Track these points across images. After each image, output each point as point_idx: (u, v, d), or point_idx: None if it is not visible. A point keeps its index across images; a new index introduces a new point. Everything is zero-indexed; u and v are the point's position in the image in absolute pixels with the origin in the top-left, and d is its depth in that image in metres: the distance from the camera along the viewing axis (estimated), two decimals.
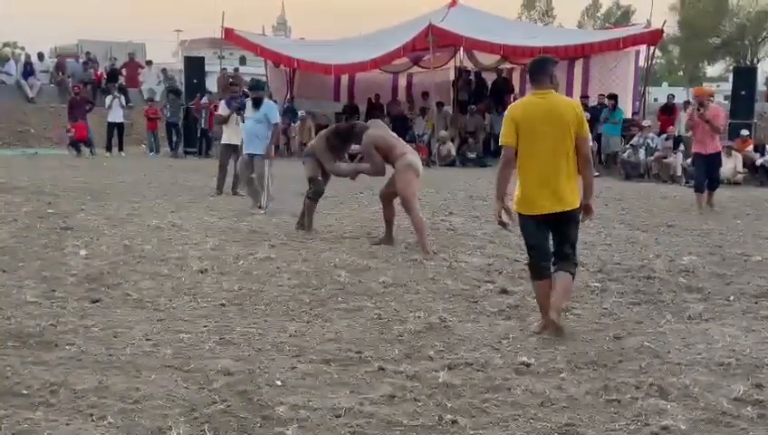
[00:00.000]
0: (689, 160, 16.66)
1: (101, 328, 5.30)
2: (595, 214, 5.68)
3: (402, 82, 25.86)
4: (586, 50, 20.78)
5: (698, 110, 12.56)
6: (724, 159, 16.80)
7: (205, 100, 21.73)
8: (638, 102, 22.12)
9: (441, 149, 20.83)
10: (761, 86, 28.36)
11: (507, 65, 24.05)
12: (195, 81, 21.86)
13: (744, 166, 17.06)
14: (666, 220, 11.15)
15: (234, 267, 7.27)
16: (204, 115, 21.36)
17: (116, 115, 21.73)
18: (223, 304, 6.01)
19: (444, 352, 5.01)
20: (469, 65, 24.51)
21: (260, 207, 11.20)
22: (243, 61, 46.16)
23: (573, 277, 5.51)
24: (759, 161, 17.03)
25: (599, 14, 79.81)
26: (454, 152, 20.91)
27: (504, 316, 5.90)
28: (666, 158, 17.48)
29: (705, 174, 12.64)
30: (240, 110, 13.05)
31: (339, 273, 7.12)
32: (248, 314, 5.77)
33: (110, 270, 6.98)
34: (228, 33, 22.96)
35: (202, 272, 7.04)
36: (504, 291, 6.61)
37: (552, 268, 5.41)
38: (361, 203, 12.38)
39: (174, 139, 21.88)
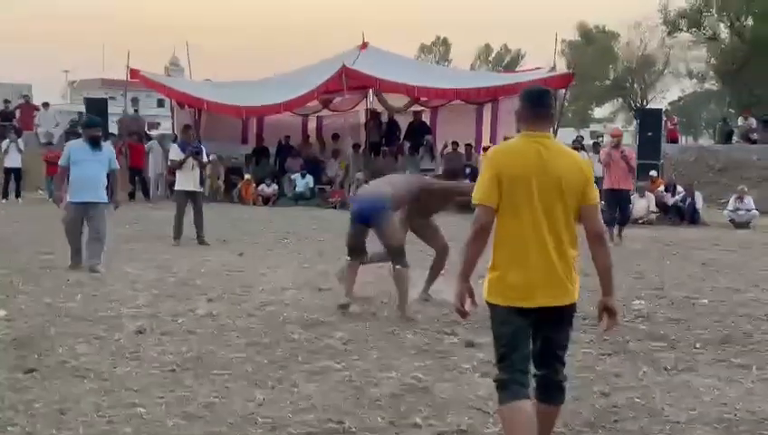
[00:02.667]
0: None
1: (45, 403, 4.69)
2: (620, 320, 4.09)
3: (312, 124, 25.49)
4: (500, 92, 20.95)
5: (616, 148, 13.66)
6: (637, 199, 17.23)
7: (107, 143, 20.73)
8: None
9: (357, 192, 20.52)
10: None
11: (417, 108, 24.03)
12: (81, 121, 20.85)
13: (656, 206, 17.42)
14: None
15: (174, 326, 6.70)
16: None
17: (13, 160, 20.54)
18: (173, 370, 5.46)
19: (430, 418, 4.64)
20: (379, 108, 24.38)
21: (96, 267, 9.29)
22: (135, 102, 44.80)
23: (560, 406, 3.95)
24: (671, 201, 17.40)
25: (490, 58, 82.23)
26: None
27: (480, 373, 5.56)
28: None
29: (616, 210, 13.53)
30: (197, 154, 12.47)
31: (291, 329, 6.67)
32: (205, 381, 5.24)
33: (37, 333, 6.31)
34: (134, 73, 22.12)
35: (141, 332, 6.45)
36: (470, 344, 6.29)
37: (536, 391, 3.85)
38: (291, 250, 11.90)
39: None
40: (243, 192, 20.91)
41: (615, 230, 13.31)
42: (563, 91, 21.13)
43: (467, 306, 3.83)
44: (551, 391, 3.86)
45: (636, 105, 54.94)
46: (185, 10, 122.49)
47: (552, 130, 3.95)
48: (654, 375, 5.62)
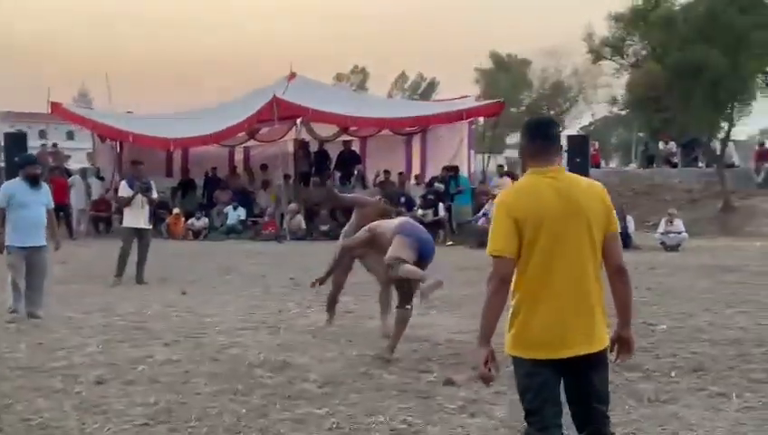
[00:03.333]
0: None
1: None
2: (634, 351, 3.72)
3: (239, 155, 25.14)
4: (432, 120, 21.06)
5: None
6: None
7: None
8: (472, 172, 22.71)
9: (291, 223, 20.24)
10: None
11: (346, 137, 23.95)
12: (16, 158, 19.99)
13: None
14: None
15: (136, 375, 6.34)
16: None
17: None
18: (146, 424, 5.14)
19: None
20: (307, 137, 24.20)
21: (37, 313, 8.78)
22: (71, 135, 43.67)
23: None
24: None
25: (406, 86, 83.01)
26: (304, 225, 20.37)
27: (467, 413, 5.41)
28: None
29: None
30: (147, 190, 12.00)
31: (260, 373, 6.40)
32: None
33: None
34: (56, 107, 21.42)
35: (101, 383, 6.08)
36: (449, 382, 6.13)
37: None
38: (235, 287, 11.55)
39: None
40: (171, 227, 20.36)
41: None
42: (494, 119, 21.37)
43: (493, 371, 3.48)
44: None
45: None
46: (94, 40, 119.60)
47: (558, 162, 3.62)
48: (639, 407, 5.57)
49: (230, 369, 6.54)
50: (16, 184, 9.17)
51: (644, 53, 22.37)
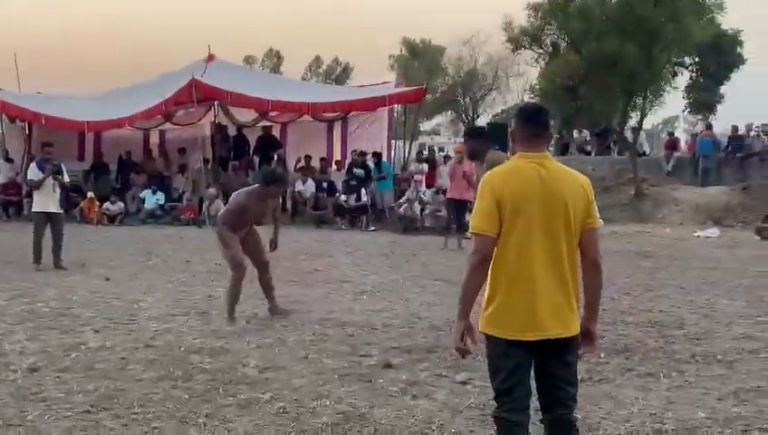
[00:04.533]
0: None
1: None
2: (597, 346, 3.91)
3: (154, 138, 24.62)
4: (354, 106, 21.05)
5: (459, 163, 14.64)
6: None
7: None
8: (393, 158, 22.82)
9: (211, 208, 19.96)
10: None
11: (265, 123, 23.72)
12: None
13: None
14: None
15: (71, 362, 6.21)
16: None
17: None
18: (88, 411, 5.05)
19: None
20: (225, 121, 23.87)
21: None
22: None
23: None
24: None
25: (320, 70, 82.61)
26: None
27: (410, 395, 5.49)
28: (439, 211, 18.01)
29: (455, 217, 14.82)
30: (58, 173, 11.60)
31: (197, 359, 6.34)
32: (128, 422, 4.87)
33: None
34: None
35: (35, 371, 5.94)
36: (388, 365, 6.22)
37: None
38: (160, 272, 11.37)
39: None
40: (86, 211, 19.84)
41: (456, 240, 14.52)
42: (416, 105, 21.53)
43: (469, 343, 3.57)
44: (564, 433, 3.62)
45: (467, 118, 56.92)
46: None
47: (547, 149, 3.72)
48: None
49: (166, 355, 6.47)
50: None
51: (562, 43, 22.85)
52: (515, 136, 3.66)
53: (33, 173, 11.89)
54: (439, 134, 76.38)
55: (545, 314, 3.47)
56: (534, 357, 3.54)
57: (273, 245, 8.45)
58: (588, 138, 25.48)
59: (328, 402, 5.27)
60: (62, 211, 12.04)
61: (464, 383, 5.73)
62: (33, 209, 12.05)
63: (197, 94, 19.89)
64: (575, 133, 26.16)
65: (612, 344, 7.04)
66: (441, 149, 32.64)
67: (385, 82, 24.70)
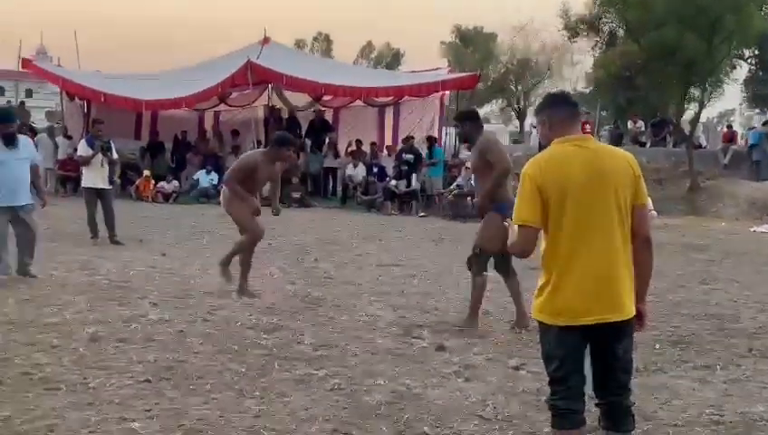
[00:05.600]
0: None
1: (25, 420, 4.33)
2: (646, 324, 3.72)
3: (209, 119, 24.90)
4: (406, 91, 21.02)
5: None
6: None
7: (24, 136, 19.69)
8: (444, 144, 22.74)
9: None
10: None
11: (318, 108, 23.84)
12: None
13: None
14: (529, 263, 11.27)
15: (130, 333, 6.35)
16: None
17: None
18: (148, 380, 5.17)
19: (437, 428, 4.55)
20: (278, 104, 24.03)
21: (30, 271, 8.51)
22: (29, 93, 42.81)
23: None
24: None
25: (372, 56, 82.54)
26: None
27: (463, 378, 5.52)
28: None
29: None
30: (107, 150, 11.83)
31: (254, 335, 6.44)
32: (186, 392, 4.98)
33: None
34: (26, 63, 21.02)
35: (96, 340, 6.08)
36: (441, 348, 6.25)
37: (602, 420, 3.63)
38: (213, 251, 11.51)
39: None
40: (141, 189, 20.16)
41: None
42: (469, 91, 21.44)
43: None
44: (619, 418, 3.59)
45: (518, 107, 56.47)
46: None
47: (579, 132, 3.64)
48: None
49: (223, 330, 6.58)
50: None
51: (619, 32, 22.51)
52: (550, 123, 3.61)
53: (83, 149, 12.12)
54: (489, 122, 76.08)
55: (597, 297, 3.42)
56: (589, 343, 3.51)
57: (276, 210, 8.65)
58: (643, 128, 25.10)
59: (382, 381, 5.32)
60: (110, 187, 12.22)
61: (517, 368, 5.74)
62: (82, 185, 12.29)
63: (253, 77, 20.02)
64: (629, 124, 25.81)
65: (667, 336, 6.99)
66: None
67: (437, 68, 24.64)
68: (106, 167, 12.09)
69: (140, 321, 6.74)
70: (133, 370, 5.37)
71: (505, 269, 7.07)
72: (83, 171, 12.33)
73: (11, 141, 8.46)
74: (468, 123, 7.11)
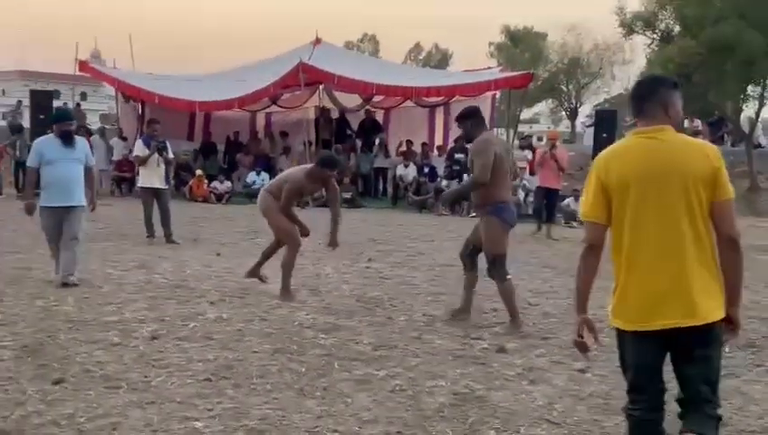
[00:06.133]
0: (567, 201, 17.13)
1: (88, 418, 4.33)
2: (740, 332, 3.42)
3: (261, 120, 25.03)
4: (457, 91, 20.85)
5: (551, 150, 14.35)
6: None
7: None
8: None
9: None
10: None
11: (368, 108, 23.80)
12: (42, 117, 19.87)
13: None
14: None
15: (189, 332, 6.34)
16: None
17: None
18: (209, 379, 5.14)
19: (505, 431, 4.44)
20: (329, 105, 24.04)
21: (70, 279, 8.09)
22: (84, 96, 43.62)
23: None
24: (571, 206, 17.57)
25: (420, 57, 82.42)
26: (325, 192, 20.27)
27: (527, 380, 5.39)
28: None
29: (546, 206, 14.58)
30: (163, 150, 11.94)
31: (312, 335, 6.39)
32: (248, 391, 4.93)
33: (46, 340, 5.88)
34: (83, 65, 21.36)
35: (156, 338, 6.09)
36: (501, 350, 6.12)
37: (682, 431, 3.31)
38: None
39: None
40: (194, 188, 20.32)
41: (544, 228, 14.43)
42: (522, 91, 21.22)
43: (588, 338, 3.38)
44: (700, 423, 3.27)
45: (569, 106, 55.87)
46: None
47: (670, 122, 3.34)
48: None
49: (281, 329, 6.54)
50: (48, 141, 8.50)
51: (675, 28, 22.07)
52: (632, 110, 3.42)
53: (139, 149, 12.20)
54: (538, 122, 75.41)
55: (664, 300, 3.20)
56: (668, 350, 3.30)
57: (333, 242, 8.21)
58: (699, 127, 24.59)
59: (443, 383, 5.22)
60: (166, 187, 12.27)
61: (582, 371, 5.59)
62: (139, 185, 12.39)
63: (304, 77, 20.05)
64: (686, 123, 25.31)
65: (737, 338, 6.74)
66: (540, 138, 32.18)
67: (489, 68, 24.43)
68: (162, 167, 12.16)
69: (199, 320, 6.73)
70: (193, 368, 5.35)
71: (470, 262, 7.12)
72: (140, 171, 12.44)
73: (68, 140, 8.37)
74: (469, 121, 7.00)
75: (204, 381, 5.09)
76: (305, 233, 8.12)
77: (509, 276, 6.89)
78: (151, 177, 12.08)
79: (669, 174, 3.22)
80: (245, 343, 6.05)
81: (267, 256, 8.47)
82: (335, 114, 23.61)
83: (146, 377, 5.11)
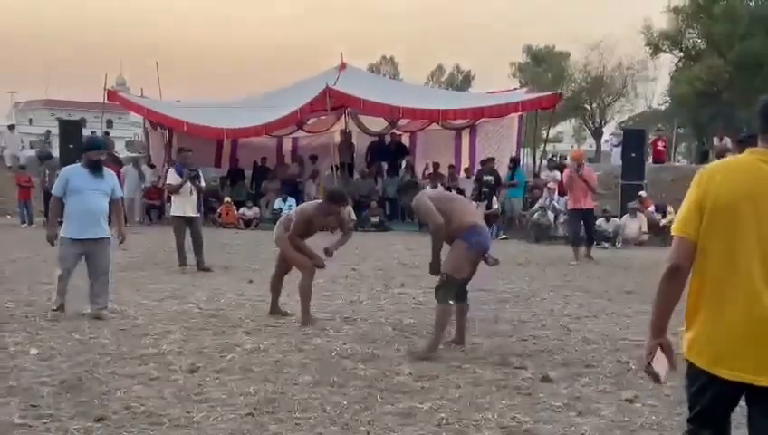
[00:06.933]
0: (599, 221, 16.92)
1: None
2: None
3: (287, 145, 25.10)
4: (485, 113, 20.78)
5: (577, 170, 13.91)
6: (628, 220, 17.23)
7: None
8: (522, 165, 22.40)
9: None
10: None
11: (395, 131, 23.81)
12: (71, 146, 20.05)
13: (647, 226, 17.40)
14: (621, 286, 10.90)
15: (228, 363, 6.28)
16: None
17: None
18: (251, 414, 5.06)
19: None
20: (355, 129, 24.05)
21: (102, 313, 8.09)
22: (110, 124, 44.05)
23: None
24: (662, 222, 17.40)
25: (443, 79, 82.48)
26: (354, 216, 20.25)
27: (575, 411, 5.25)
28: None
29: (583, 228, 14.08)
30: (195, 178, 11.99)
31: (351, 365, 6.30)
32: (292, 426, 4.85)
33: (84, 375, 5.84)
34: (112, 94, 21.58)
35: (194, 371, 6.02)
36: (546, 379, 5.99)
37: None
38: (299, 275, 11.46)
39: None
40: (223, 215, 20.37)
41: (583, 250, 13.98)
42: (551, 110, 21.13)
43: (658, 367, 3.02)
44: None
45: (593, 125, 55.62)
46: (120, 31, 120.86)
47: None
48: None
49: (319, 359, 6.46)
50: (76, 170, 8.24)
51: (701, 46, 21.91)
52: (761, 127, 3.05)
53: (172, 178, 12.23)
54: (562, 141, 75.08)
55: (746, 348, 2.84)
56: (749, 404, 2.97)
57: (329, 251, 8.31)
58: (729, 145, 24.28)
59: (490, 416, 5.10)
60: (199, 215, 12.33)
61: (630, 401, 5.45)
62: (171, 213, 12.42)
63: (331, 102, 20.10)
64: (715, 140, 25.05)
65: None
66: (564, 157, 31.93)
67: (514, 89, 24.35)
68: (195, 195, 12.21)
69: (236, 351, 6.67)
70: (234, 402, 5.27)
71: (461, 295, 7.02)
72: (173, 199, 12.48)
73: (96, 170, 8.17)
74: (408, 194, 7.16)
75: (246, 416, 5.01)
76: (318, 265, 8.19)
77: (451, 302, 6.84)
78: (184, 205, 12.11)
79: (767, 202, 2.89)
80: (285, 375, 5.97)
81: (276, 289, 8.55)
82: (360, 139, 23.62)
83: (188, 412, 5.04)
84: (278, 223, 8.55)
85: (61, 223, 8.34)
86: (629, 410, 5.27)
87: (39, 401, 5.20)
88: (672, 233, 3.07)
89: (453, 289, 6.79)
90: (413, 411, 5.17)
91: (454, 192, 20.36)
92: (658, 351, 3.03)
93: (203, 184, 12.67)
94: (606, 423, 5.02)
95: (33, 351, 6.54)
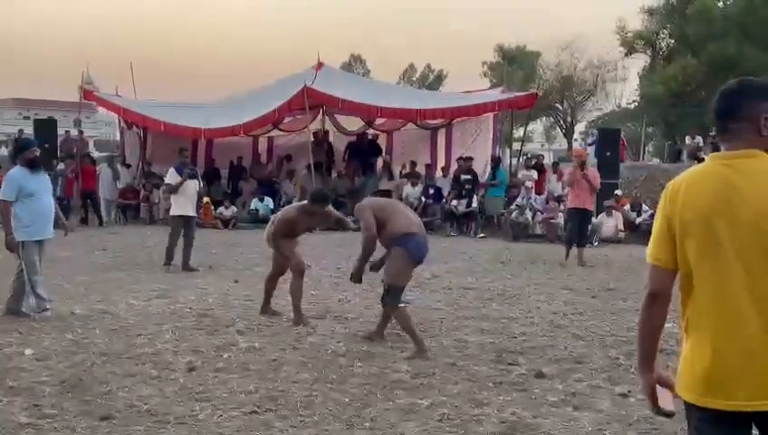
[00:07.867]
0: None
1: None
2: None
3: (263, 144, 25.04)
4: (462, 112, 20.90)
5: (581, 168, 13.41)
6: (605, 218, 17.43)
7: (61, 166, 20.10)
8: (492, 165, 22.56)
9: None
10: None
11: (370, 131, 23.86)
12: (47, 145, 19.84)
13: (623, 225, 17.60)
14: (603, 283, 11.05)
15: (226, 362, 6.33)
16: (60, 183, 19.51)
17: None
18: (255, 412, 5.12)
19: None
20: (332, 129, 24.07)
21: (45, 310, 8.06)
22: (78, 123, 43.55)
23: None
24: (638, 220, 17.64)
25: (414, 78, 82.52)
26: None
27: (571, 406, 5.38)
28: (553, 218, 17.76)
29: (578, 229, 13.58)
30: (194, 177, 11.98)
31: (347, 363, 6.38)
32: (296, 423, 4.92)
33: (84, 375, 5.86)
34: (88, 93, 21.39)
35: (193, 370, 6.07)
36: (540, 375, 6.11)
37: None
38: (285, 277, 11.49)
39: None
40: (202, 215, 20.26)
41: (575, 251, 13.39)
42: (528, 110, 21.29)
43: (664, 402, 2.68)
44: None
45: (565, 124, 56.06)
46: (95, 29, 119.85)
47: (760, 141, 2.59)
48: None
49: (315, 357, 6.53)
50: (21, 172, 8.04)
51: (674, 46, 22.22)
52: (716, 127, 2.71)
53: (172, 178, 12.19)
54: (531, 141, 75.46)
55: (739, 374, 2.51)
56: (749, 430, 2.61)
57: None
58: (701, 144, 24.66)
59: (489, 411, 5.20)
60: (196, 215, 12.35)
61: (624, 396, 5.58)
62: (171, 213, 12.34)
63: (309, 101, 20.11)
64: (687, 139, 25.40)
65: None
66: (540, 156, 32.19)
67: (489, 88, 24.50)
68: (195, 194, 12.23)
69: (232, 350, 6.72)
70: (237, 400, 5.33)
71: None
72: (173, 199, 12.40)
73: (37, 168, 8.06)
74: (351, 199, 7.40)
75: (250, 414, 5.07)
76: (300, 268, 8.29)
77: (402, 305, 7.02)
78: (185, 204, 12.14)
79: (751, 215, 2.51)
80: (283, 373, 6.03)
81: (270, 290, 8.63)
82: (338, 138, 23.65)
83: (192, 411, 5.09)
84: (269, 222, 8.63)
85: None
86: (624, 404, 5.40)
87: (41, 400, 5.23)
88: (648, 259, 2.74)
89: (398, 294, 6.96)
90: (414, 408, 5.26)
91: (432, 191, 20.64)
92: (658, 388, 2.73)
93: (202, 184, 12.72)
94: (603, 417, 5.14)
95: (29, 351, 6.54)
